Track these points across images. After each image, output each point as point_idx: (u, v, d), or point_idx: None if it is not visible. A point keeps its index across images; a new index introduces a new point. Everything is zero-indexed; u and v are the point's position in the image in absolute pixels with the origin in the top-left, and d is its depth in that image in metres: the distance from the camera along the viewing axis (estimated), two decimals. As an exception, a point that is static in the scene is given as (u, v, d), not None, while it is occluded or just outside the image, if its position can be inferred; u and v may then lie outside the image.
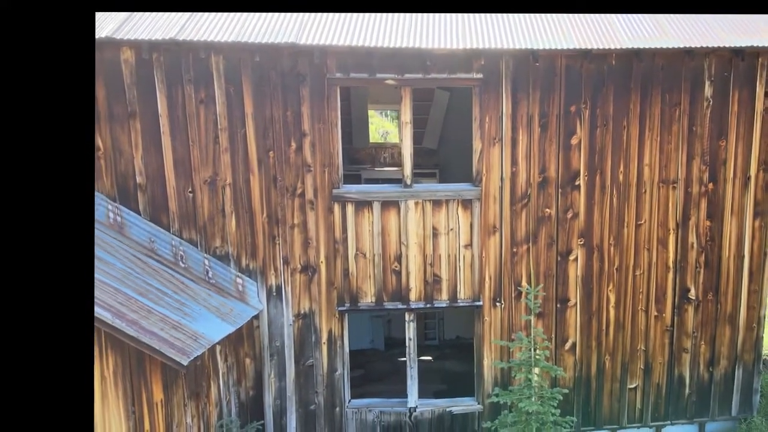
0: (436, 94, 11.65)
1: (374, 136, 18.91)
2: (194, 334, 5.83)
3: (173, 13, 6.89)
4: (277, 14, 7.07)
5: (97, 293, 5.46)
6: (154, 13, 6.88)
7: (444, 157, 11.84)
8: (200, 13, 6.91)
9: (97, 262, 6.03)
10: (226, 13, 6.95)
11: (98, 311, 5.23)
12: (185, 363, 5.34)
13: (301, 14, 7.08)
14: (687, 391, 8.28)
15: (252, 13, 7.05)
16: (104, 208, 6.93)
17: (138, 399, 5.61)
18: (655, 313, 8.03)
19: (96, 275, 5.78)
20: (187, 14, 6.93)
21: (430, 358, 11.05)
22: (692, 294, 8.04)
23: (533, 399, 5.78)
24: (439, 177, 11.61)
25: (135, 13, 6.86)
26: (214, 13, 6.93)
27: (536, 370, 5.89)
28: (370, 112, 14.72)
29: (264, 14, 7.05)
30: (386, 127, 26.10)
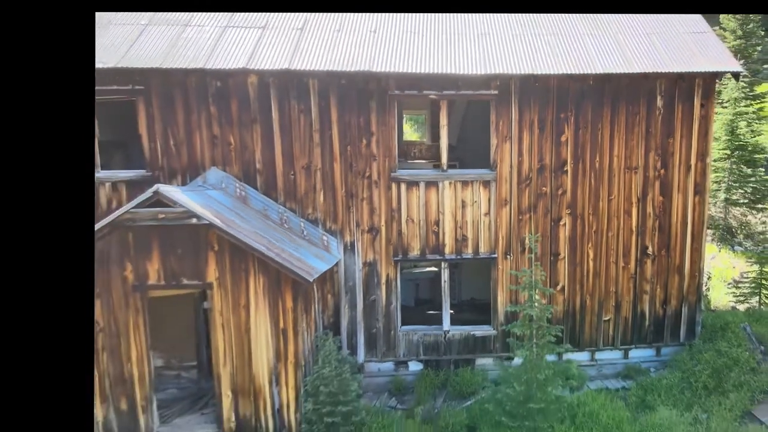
0: (456, 103, 14.59)
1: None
2: (310, 266, 8.80)
3: (284, 48, 9.85)
4: (354, 48, 10.02)
5: (252, 236, 8.44)
6: (270, 47, 9.83)
7: (462, 152, 14.77)
8: (303, 48, 9.87)
9: (241, 218, 9.00)
10: (320, 48, 9.91)
11: (255, 244, 8.20)
12: (311, 280, 8.32)
13: (371, 49, 10.04)
14: (647, 323, 11.20)
15: (336, 47, 10.00)
16: (233, 185, 9.91)
17: (276, 306, 8.56)
18: (623, 265, 10.97)
19: (245, 225, 8.76)
20: (292, 48, 9.89)
21: (451, 311, 13.95)
22: (650, 251, 10.97)
23: (534, 308, 8.72)
24: (459, 167, 14.51)
25: (258, 46, 9.81)
26: (311, 49, 9.89)
27: (536, 290, 8.82)
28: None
29: (345, 48, 10.00)
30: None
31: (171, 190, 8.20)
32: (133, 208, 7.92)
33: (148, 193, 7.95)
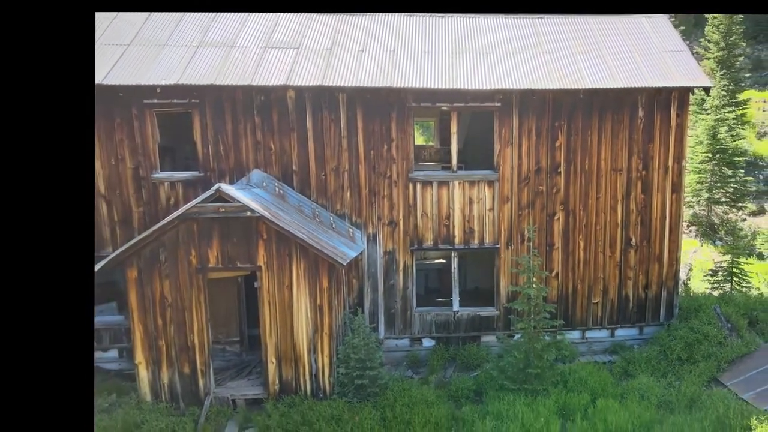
0: (463, 113, 16.17)
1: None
2: (342, 252, 10.40)
3: (317, 66, 11.45)
4: (377, 67, 11.62)
5: (294, 226, 10.04)
6: (305, 66, 11.43)
7: (467, 155, 16.35)
8: (333, 66, 11.47)
9: (283, 212, 10.59)
10: (347, 66, 11.51)
11: (298, 233, 9.80)
12: (344, 263, 9.93)
13: (391, 67, 11.64)
14: (631, 305, 12.79)
15: (361, 65, 11.60)
16: (273, 184, 11.51)
17: (313, 285, 10.15)
18: (609, 254, 12.55)
19: (287, 217, 10.36)
20: (324, 66, 11.49)
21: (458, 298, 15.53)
22: (633, 242, 12.56)
23: (532, 288, 10.32)
24: (464, 169, 16.11)
25: (294, 64, 11.41)
26: (340, 67, 11.48)
27: (533, 273, 10.43)
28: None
29: (369, 66, 11.60)
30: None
31: (229, 188, 9.80)
32: (199, 203, 9.52)
33: (211, 190, 9.55)
